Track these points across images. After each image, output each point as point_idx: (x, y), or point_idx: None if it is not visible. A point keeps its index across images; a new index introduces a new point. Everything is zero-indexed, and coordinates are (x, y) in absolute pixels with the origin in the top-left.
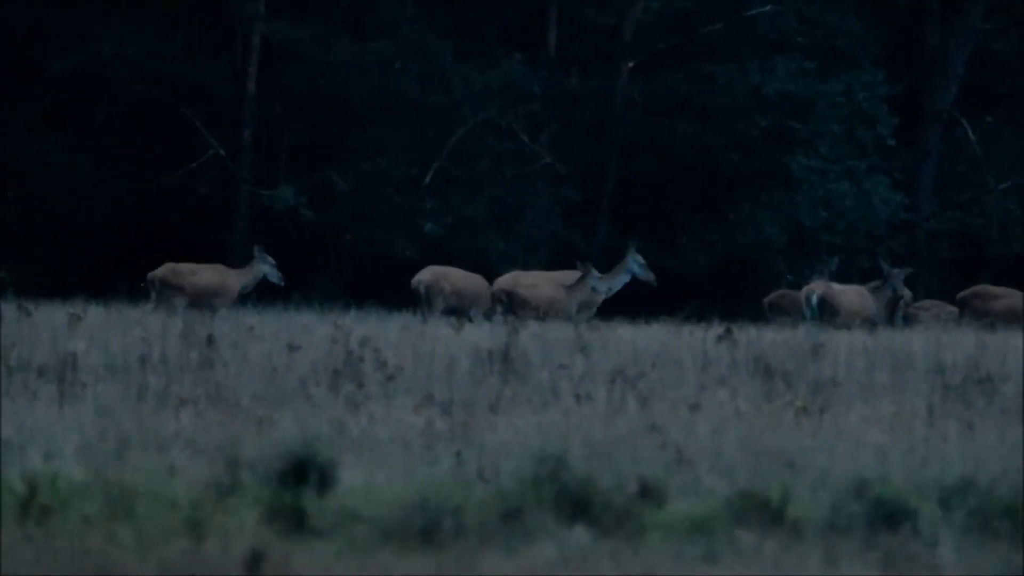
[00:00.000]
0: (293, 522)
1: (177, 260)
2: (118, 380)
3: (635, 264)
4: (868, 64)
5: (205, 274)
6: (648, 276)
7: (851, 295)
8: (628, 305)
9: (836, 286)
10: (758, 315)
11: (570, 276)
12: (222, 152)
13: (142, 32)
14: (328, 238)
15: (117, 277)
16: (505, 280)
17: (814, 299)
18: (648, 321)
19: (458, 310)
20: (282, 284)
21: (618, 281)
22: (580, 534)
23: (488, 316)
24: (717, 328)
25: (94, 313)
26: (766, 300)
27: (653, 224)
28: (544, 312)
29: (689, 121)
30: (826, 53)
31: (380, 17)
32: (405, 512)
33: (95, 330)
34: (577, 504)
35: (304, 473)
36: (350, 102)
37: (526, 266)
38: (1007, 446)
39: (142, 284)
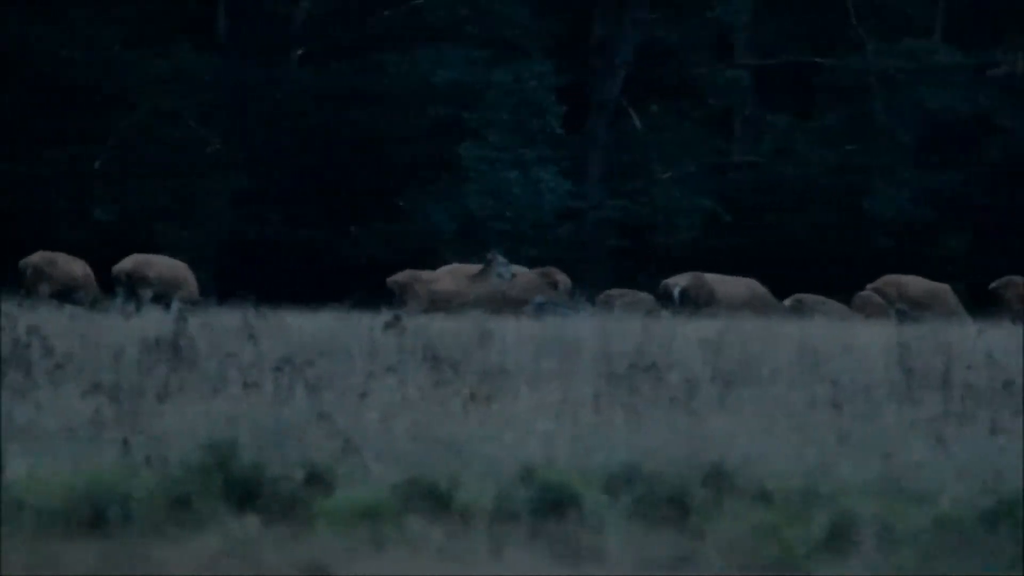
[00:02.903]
0: None
1: None
2: None
3: (502, 268)
4: (537, 54)
5: (175, 268)
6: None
7: (729, 285)
8: (296, 293)
9: (707, 276)
10: None
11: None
12: None
13: None
14: None
15: None
16: (401, 274)
17: (676, 291)
18: (316, 309)
19: (161, 297)
20: None
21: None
22: (249, 522)
23: (193, 303)
24: (385, 316)
25: None
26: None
27: (323, 212)
28: (445, 305)
29: (360, 110)
30: (496, 43)
31: (50, 2)
32: (72, 501)
33: None
34: (246, 492)
35: None
36: (19, 87)
37: (199, 252)
38: (672, 433)
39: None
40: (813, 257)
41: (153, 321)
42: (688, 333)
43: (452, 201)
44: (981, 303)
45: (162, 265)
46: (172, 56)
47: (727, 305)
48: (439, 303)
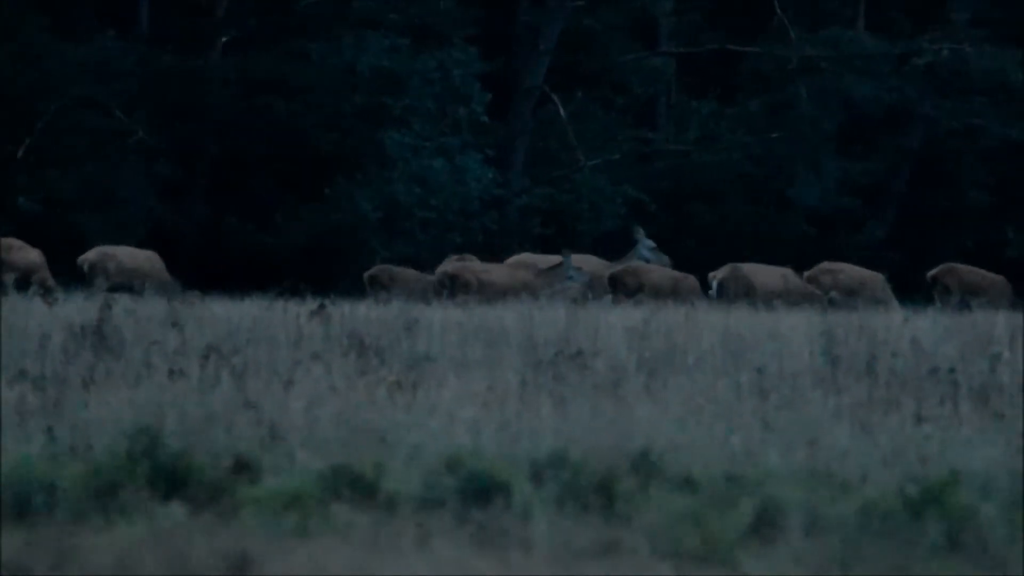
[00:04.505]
0: None
1: None
2: None
3: (646, 250)
4: (461, 41)
5: (138, 258)
6: (662, 259)
7: (765, 275)
8: (221, 281)
9: (745, 266)
10: (353, 291)
11: (548, 261)
12: None
13: None
14: None
15: None
16: (452, 264)
17: (714, 284)
18: (242, 297)
19: (129, 288)
20: None
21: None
22: (174, 510)
23: (167, 293)
24: (311, 304)
25: None
26: (366, 274)
27: (248, 201)
28: (500, 295)
29: (283, 98)
30: (419, 30)
31: None
32: None
33: None
34: (171, 480)
35: None
36: None
37: (123, 241)
38: (598, 421)
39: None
40: (736, 245)
41: (78, 309)
42: (613, 321)
43: (377, 189)
44: (905, 290)
45: (127, 256)
46: (95, 45)
47: (765, 295)
48: (493, 293)
